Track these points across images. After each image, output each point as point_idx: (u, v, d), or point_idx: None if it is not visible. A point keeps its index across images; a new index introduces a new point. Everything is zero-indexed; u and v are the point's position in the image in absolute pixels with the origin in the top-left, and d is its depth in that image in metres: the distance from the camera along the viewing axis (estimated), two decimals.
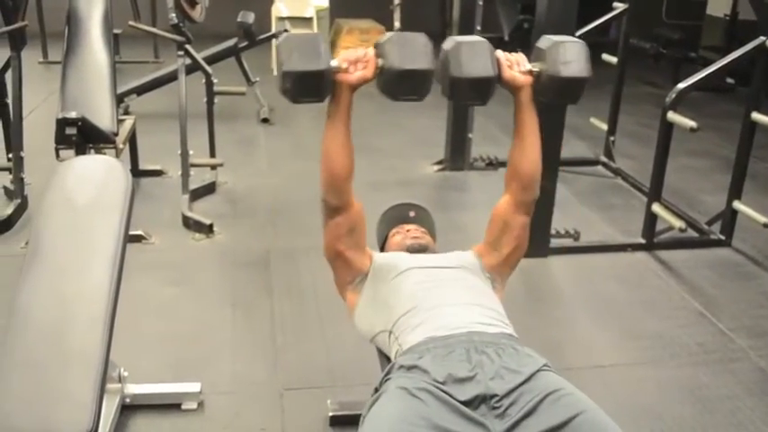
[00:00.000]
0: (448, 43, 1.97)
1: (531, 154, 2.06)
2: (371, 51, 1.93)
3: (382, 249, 2.40)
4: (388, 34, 1.94)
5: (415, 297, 1.96)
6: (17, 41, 4.18)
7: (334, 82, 1.90)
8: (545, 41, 2.03)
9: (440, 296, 1.96)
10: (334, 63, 1.88)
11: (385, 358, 2.04)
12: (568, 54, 1.97)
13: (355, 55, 1.92)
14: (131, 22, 5.01)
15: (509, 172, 2.11)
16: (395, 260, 2.13)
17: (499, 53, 2.02)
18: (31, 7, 4.36)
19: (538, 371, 1.72)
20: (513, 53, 2.05)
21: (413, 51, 1.89)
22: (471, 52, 1.94)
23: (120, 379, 2.60)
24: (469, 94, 2.00)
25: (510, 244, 2.12)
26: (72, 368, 1.86)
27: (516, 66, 2.02)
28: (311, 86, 1.86)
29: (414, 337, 1.85)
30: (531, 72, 2.02)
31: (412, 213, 2.45)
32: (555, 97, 2.05)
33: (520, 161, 2.07)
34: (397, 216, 2.44)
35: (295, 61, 1.82)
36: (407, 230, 2.36)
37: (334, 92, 1.92)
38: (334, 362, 2.98)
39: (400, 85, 1.91)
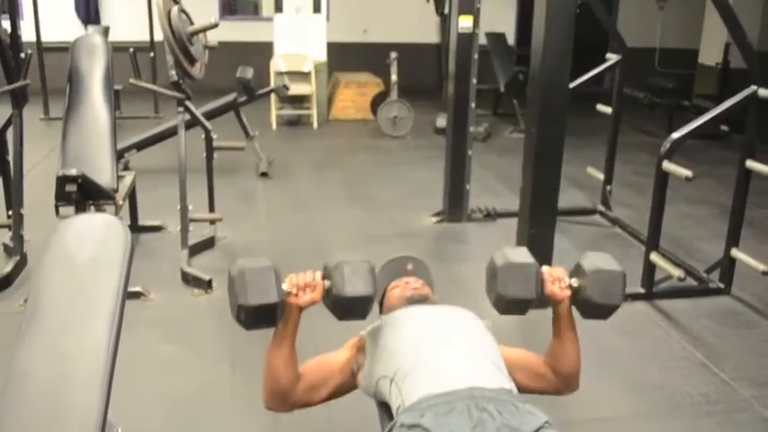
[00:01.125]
0: (500, 260, 2.08)
1: (571, 359, 2.15)
2: (318, 275, 2.04)
3: (381, 303, 2.40)
4: (335, 261, 2.03)
5: (415, 347, 1.97)
6: (19, 99, 4.24)
7: (284, 305, 2.00)
8: (588, 261, 2.11)
9: (440, 347, 1.96)
10: (284, 287, 1.99)
11: (385, 415, 2.02)
12: (607, 282, 2.08)
13: (304, 280, 2.02)
14: (132, 80, 5.09)
15: (550, 363, 2.17)
16: (393, 315, 2.13)
17: (543, 269, 2.10)
18: (33, 64, 4.42)
19: (539, 429, 1.71)
20: (556, 268, 2.13)
21: (357, 278, 2.00)
22: (519, 274, 2.05)
23: None
24: (511, 309, 2.10)
25: (528, 387, 2.14)
26: (70, 427, 1.84)
27: (557, 282, 2.10)
28: (264, 316, 1.97)
29: (415, 392, 1.84)
30: (570, 287, 2.11)
31: (410, 266, 2.46)
32: (586, 315, 2.14)
33: (561, 364, 2.15)
34: (396, 269, 2.45)
35: (250, 296, 1.93)
36: (406, 283, 2.37)
37: (283, 313, 2.01)
38: (334, 422, 2.95)
39: (344, 308, 2.02)
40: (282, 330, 2.04)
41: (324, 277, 2.03)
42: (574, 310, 2.13)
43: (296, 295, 2.00)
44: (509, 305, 2.07)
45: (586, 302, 2.08)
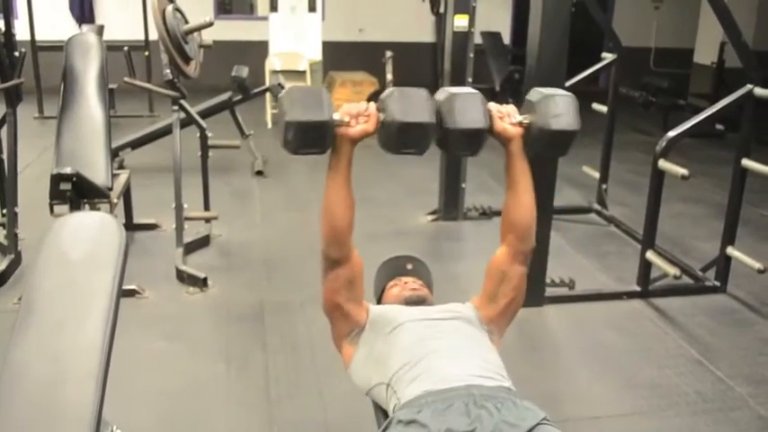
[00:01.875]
0: (441, 94, 2.00)
1: (524, 203, 2.06)
2: (372, 106, 1.95)
3: (379, 301, 2.39)
4: (391, 89, 1.95)
5: (412, 350, 1.95)
6: (13, 98, 4.23)
7: (336, 135, 1.90)
8: (535, 94, 2.05)
9: (437, 349, 1.94)
10: (336, 116, 1.89)
11: (381, 412, 2.02)
12: (558, 107, 2.00)
13: (357, 109, 1.93)
14: (127, 79, 5.08)
15: (504, 223, 2.11)
16: (391, 313, 2.11)
17: (491, 105, 2.04)
18: (27, 63, 4.40)
19: (537, 425, 1.70)
20: (504, 105, 2.08)
21: (414, 105, 1.91)
22: (464, 104, 1.96)
23: None
24: (462, 145, 2.02)
25: (507, 295, 2.11)
26: (64, 425, 1.84)
27: (507, 117, 2.04)
28: (313, 138, 1.86)
29: (412, 391, 1.83)
30: (521, 124, 2.03)
31: (409, 266, 2.44)
32: (544, 150, 2.06)
33: (514, 211, 2.07)
34: (395, 268, 2.44)
35: (298, 112, 1.82)
36: (405, 282, 2.35)
37: (335, 145, 1.93)
38: (330, 417, 2.95)
39: (401, 138, 1.92)
40: (335, 164, 1.95)
41: (378, 108, 1.94)
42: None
43: (348, 124, 1.91)
44: (458, 139, 1.96)
45: (541, 134, 1.98)
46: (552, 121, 1.98)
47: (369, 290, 2.32)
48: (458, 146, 2.03)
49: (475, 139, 1.99)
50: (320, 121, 1.84)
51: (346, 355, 2.13)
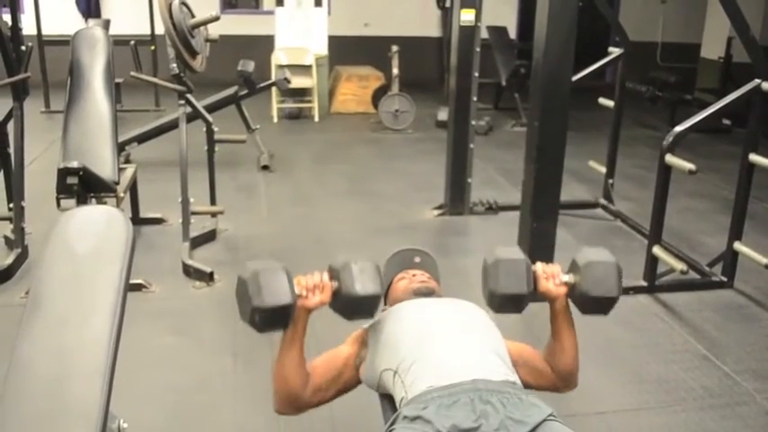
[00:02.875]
0: (490, 258, 2.06)
1: (569, 357, 2.12)
2: (326, 276, 2.02)
3: (386, 294, 2.40)
4: (340, 260, 2.03)
5: (417, 338, 1.96)
6: (20, 92, 4.23)
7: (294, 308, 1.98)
8: (582, 257, 2.09)
9: (443, 339, 1.95)
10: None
11: (388, 408, 2.02)
12: (601, 274, 2.05)
13: (313, 282, 2.01)
14: (133, 73, 5.07)
15: (549, 361, 2.15)
16: (397, 308, 2.12)
17: (537, 266, 2.09)
18: (33, 57, 4.41)
19: (543, 421, 1.70)
20: (550, 265, 2.11)
21: (365, 277, 2.00)
22: (509, 270, 2.04)
23: (120, 431, 2.56)
24: (505, 306, 2.08)
25: (525, 379, 2.12)
26: (71, 420, 1.84)
27: (552, 279, 2.08)
28: (279, 318, 1.96)
29: (418, 385, 1.84)
30: (566, 284, 2.09)
31: (417, 259, 2.45)
32: (584, 310, 2.11)
33: (559, 358, 2.13)
34: (403, 261, 2.45)
35: (265, 297, 1.90)
36: (413, 275, 2.36)
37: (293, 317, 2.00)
38: (336, 412, 2.94)
39: (354, 307, 2.02)
40: (292, 333, 2.03)
41: (331, 278, 2.03)
42: (574, 309, 2.11)
43: (305, 297, 1.99)
44: (502, 302, 2.05)
45: (583, 297, 2.05)
46: (593, 288, 2.03)
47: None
48: (501, 306, 2.09)
49: (518, 302, 2.07)
50: (285, 305, 1.93)
51: (360, 372, 2.15)
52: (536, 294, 2.07)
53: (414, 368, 1.89)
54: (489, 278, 2.04)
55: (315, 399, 2.11)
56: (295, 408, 2.11)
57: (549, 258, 3.88)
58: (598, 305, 2.08)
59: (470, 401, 1.73)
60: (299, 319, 2.01)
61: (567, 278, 2.09)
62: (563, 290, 2.07)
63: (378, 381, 2.05)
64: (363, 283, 1.99)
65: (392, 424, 1.78)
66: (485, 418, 1.68)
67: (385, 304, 2.36)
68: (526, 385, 2.10)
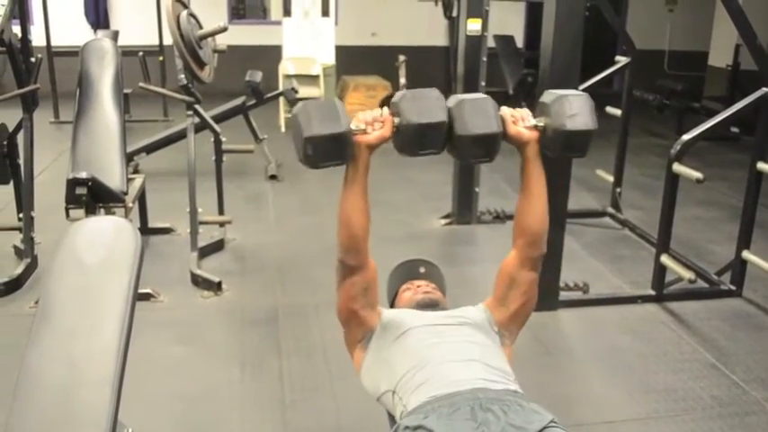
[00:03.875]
0: (451, 101, 1.99)
1: (537, 209, 2.05)
2: (386, 111, 1.96)
3: (392, 305, 2.40)
4: (402, 92, 1.96)
5: (417, 355, 1.95)
6: (29, 103, 4.26)
7: (353, 144, 1.91)
8: (548, 96, 2.04)
9: (443, 354, 1.94)
10: (352, 125, 1.90)
11: (392, 417, 2.02)
12: (573, 107, 1.98)
13: (372, 115, 1.94)
14: (142, 84, 5.10)
15: (516, 227, 2.11)
16: (400, 317, 2.11)
17: (504, 109, 2.03)
18: (42, 68, 4.44)
19: (545, 428, 1.70)
20: (518, 108, 2.07)
21: (427, 106, 1.91)
22: (475, 109, 1.95)
23: None
24: (475, 152, 2.01)
25: (518, 300, 2.11)
26: (81, 428, 1.85)
27: (521, 121, 2.03)
28: (333, 150, 1.88)
29: (418, 398, 1.83)
30: (536, 127, 2.02)
31: (422, 269, 2.44)
32: (562, 151, 2.04)
33: (526, 216, 2.07)
34: (408, 272, 2.44)
35: (315, 126, 1.84)
36: (418, 286, 2.35)
37: (353, 154, 1.94)
38: (343, 421, 2.95)
39: (418, 140, 1.93)
40: (353, 173, 1.97)
41: (392, 113, 1.95)
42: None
43: (365, 131, 1.93)
44: (471, 145, 1.96)
45: (557, 135, 1.96)
46: (568, 122, 1.96)
47: (382, 294, 2.32)
48: (471, 152, 2.02)
49: (488, 145, 1.98)
50: (339, 132, 1.86)
51: (357, 360, 2.14)
52: (505, 138, 1.99)
53: (412, 381, 1.88)
54: (455, 121, 1.93)
55: (364, 281, 2.05)
56: (357, 256, 2.02)
57: (556, 269, 3.89)
58: (574, 143, 1.99)
59: (471, 410, 1.72)
60: (359, 156, 1.94)
61: (537, 121, 2.01)
62: (534, 133, 2.01)
63: (378, 398, 2.05)
64: (426, 112, 1.90)
65: None
66: (486, 425, 1.68)
67: None
68: (516, 288, 2.08)
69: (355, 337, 2.13)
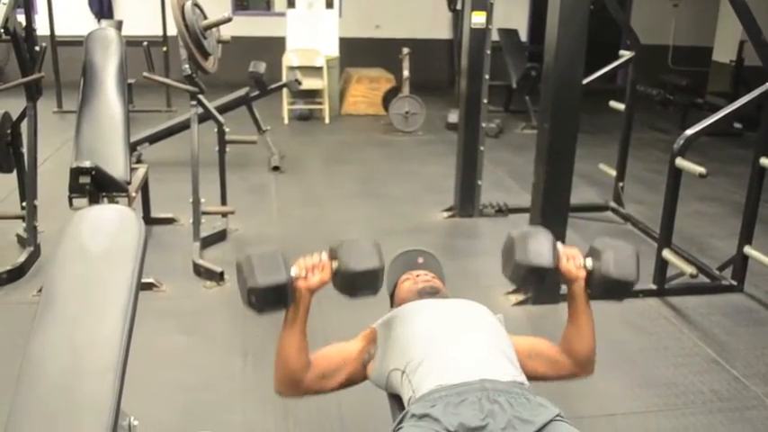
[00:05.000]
0: (516, 231, 2.12)
1: (586, 337, 2.15)
2: (324, 256, 2.04)
3: (392, 296, 2.41)
4: (339, 241, 2.06)
5: (427, 338, 1.97)
6: (33, 92, 4.27)
7: (295, 289, 2.00)
8: (601, 242, 2.15)
9: (452, 338, 1.96)
10: (293, 272, 2.00)
11: (396, 406, 2.03)
12: (620, 258, 2.10)
13: (311, 261, 2.03)
14: (145, 74, 5.11)
15: (564, 347, 2.17)
16: (404, 308, 2.13)
17: (559, 245, 2.12)
18: (46, 58, 4.44)
19: (551, 421, 1.71)
20: (569, 248, 2.15)
21: (363, 253, 2.03)
22: (536, 242, 2.08)
23: (131, 429, 2.57)
24: (529, 279, 2.12)
25: (535, 374, 2.12)
26: (83, 417, 1.86)
27: (572, 260, 2.11)
28: (275, 297, 1.98)
29: (426, 384, 1.85)
30: (585, 267, 2.12)
31: (421, 260, 2.46)
32: (603, 295, 2.15)
33: (576, 342, 2.16)
34: (406, 263, 2.46)
35: (258, 277, 1.94)
36: (417, 276, 2.37)
37: (293, 298, 2.02)
38: (345, 411, 2.96)
39: (355, 284, 2.04)
40: (293, 315, 2.04)
41: (331, 257, 2.05)
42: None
43: (305, 278, 2.01)
44: (527, 274, 2.07)
45: (602, 279, 2.08)
46: (614, 272, 2.08)
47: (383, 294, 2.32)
48: (525, 279, 2.13)
49: (542, 276, 2.10)
50: (280, 283, 1.95)
51: (368, 371, 2.16)
52: (556, 273, 2.10)
53: (422, 368, 1.90)
54: (516, 249, 2.06)
55: (316, 385, 2.12)
56: (293, 389, 2.11)
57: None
58: (616, 289, 2.11)
59: (478, 401, 1.74)
60: (300, 300, 2.03)
61: (587, 262, 2.12)
62: (583, 272, 2.11)
63: (386, 380, 2.06)
64: (361, 259, 2.01)
65: (400, 422, 1.79)
66: (492, 417, 1.69)
67: (391, 306, 2.37)
68: (542, 376, 2.13)
69: (363, 373, 2.17)
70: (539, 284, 2.13)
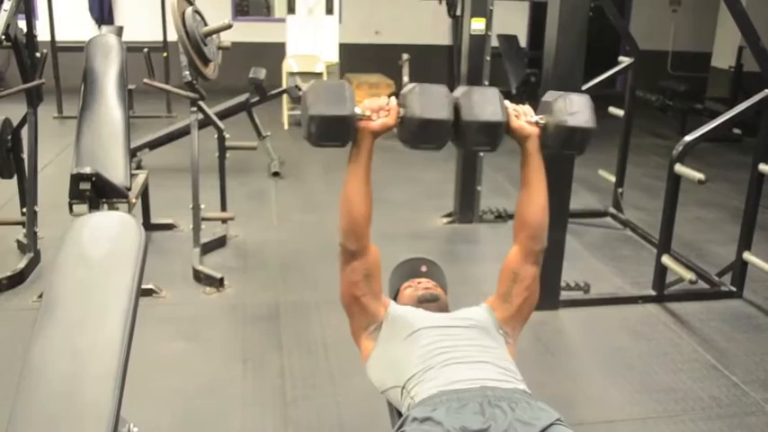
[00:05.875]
0: (459, 90, 2.05)
1: (538, 203, 2.09)
2: (393, 100, 2.00)
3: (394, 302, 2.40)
4: (412, 85, 2.00)
5: (427, 357, 1.95)
6: (34, 98, 4.28)
7: (357, 129, 1.96)
8: (551, 95, 2.09)
9: (452, 356, 1.94)
10: (357, 110, 1.94)
11: (396, 412, 2.03)
12: (574, 105, 2.04)
13: (378, 103, 1.98)
14: (146, 80, 5.11)
15: (517, 222, 2.14)
16: (409, 316, 2.11)
17: (507, 103, 2.07)
18: (46, 64, 4.45)
19: (551, 425, 1.71)
20: (520, 104, 2.11)
21: (434, 102, 1.96)
22: (482, 97, 2.01)
23: None
24: (479, 139, 2.04)
25: (521, 295, 2.12)
26: (83, 422, 1.86)
27: (523, 116, 2.07)
28: (335, 131, 1.93)
29: (427, 390, 1.85)
30: (537, 123, 2.07)
31: (424, 268, 2.45)
32: (561, 147, 2.08)
33: (527, 210, 2.10)
34: (409, 270, 2.45)
35: (321, 106, 1.89)
36: (419, 283, 2.36)
37: (356, 138, 1.98)
38: (344, 417, 2.96)
39: (421, 134, 1.97)
40: (355, 157, 2.00)
41: (399, 104, 1.99)
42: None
43: (369, 118, 1.96)
44: (476, 133, 1.99)
45: (558, 131, 2.01)
46: (569, 119, 2.02)
47: (385, 289, 2.33)
48: (476, 139, 2.05)
49: (492, 134, 2.02)
50: (342, 115, 1.90)
51: (365, 349, 2.14)
52: (507, 132, 2.04)
53: (422, 380, 1.89)
54: (462, 108, 1.98)
55: (371, 260, 2.07)
56: (359, 241, 2.05)
57: (558, 268, 3.90)
58: (574, 140, 2.05)
59: (479, 405, 1.74)
60: (362, 141, 1.98)
61: (538, 118, 2.06)
62: (536, 129, 2.06)
63: (385, 392, 2.06)
64: (431, 107, 1.94)
65: (401, 426, 1.79)
66: (493, 420, 1.70)
67: None
68: (513, 291, 2.10)
69: (360, 324, 2.13)
70: (492, 143, 2.02)
